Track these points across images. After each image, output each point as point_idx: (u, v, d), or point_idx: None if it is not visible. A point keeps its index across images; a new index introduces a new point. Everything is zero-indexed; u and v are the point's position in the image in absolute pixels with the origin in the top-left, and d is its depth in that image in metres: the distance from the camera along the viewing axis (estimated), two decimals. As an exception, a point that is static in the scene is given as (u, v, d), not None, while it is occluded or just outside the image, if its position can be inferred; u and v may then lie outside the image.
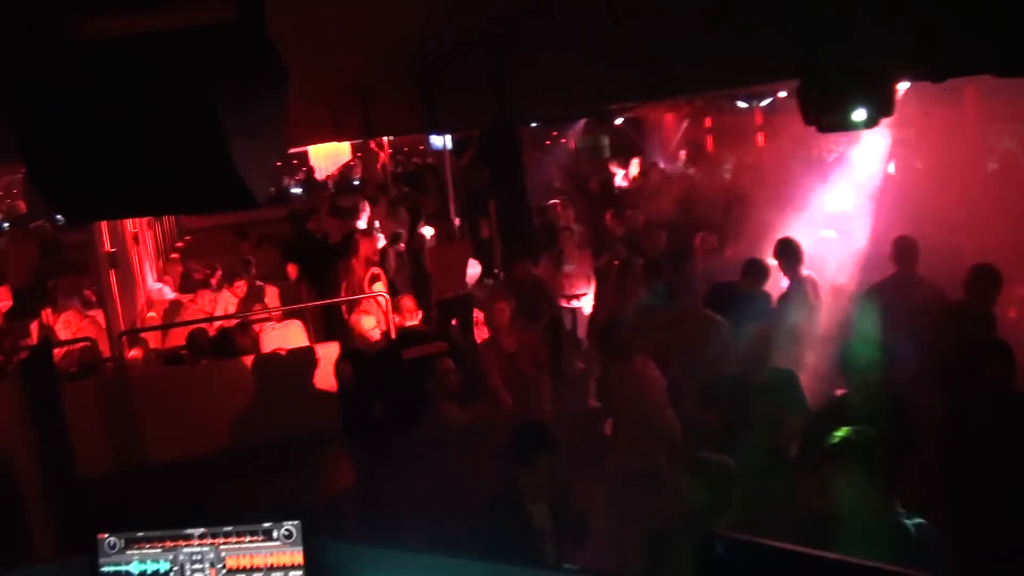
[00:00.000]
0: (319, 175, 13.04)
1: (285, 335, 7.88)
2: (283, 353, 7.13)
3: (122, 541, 1.93)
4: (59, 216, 10.58)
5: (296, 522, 1.89)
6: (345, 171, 14.60)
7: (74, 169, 1.86)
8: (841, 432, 2.34)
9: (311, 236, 9.51)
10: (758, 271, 5.16)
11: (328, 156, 12.62)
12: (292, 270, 8.74)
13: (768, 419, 3.61)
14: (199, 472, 5.50)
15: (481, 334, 7.27)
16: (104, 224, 7.95)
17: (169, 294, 9.74)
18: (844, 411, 3.08)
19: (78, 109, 1.81)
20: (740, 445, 3.14)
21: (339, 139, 11.04)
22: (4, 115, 1.78)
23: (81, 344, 7.27)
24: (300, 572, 1.86)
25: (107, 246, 8.03)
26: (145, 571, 1.91)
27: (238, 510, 1.92)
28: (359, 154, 14.01)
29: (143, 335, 7.93)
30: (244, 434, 6.07)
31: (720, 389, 3.93)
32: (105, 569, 1.91)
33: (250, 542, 1.88)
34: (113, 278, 7.88)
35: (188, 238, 13.49)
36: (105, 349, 6.95)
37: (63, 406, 5.60)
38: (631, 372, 4.31)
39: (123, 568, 1.91)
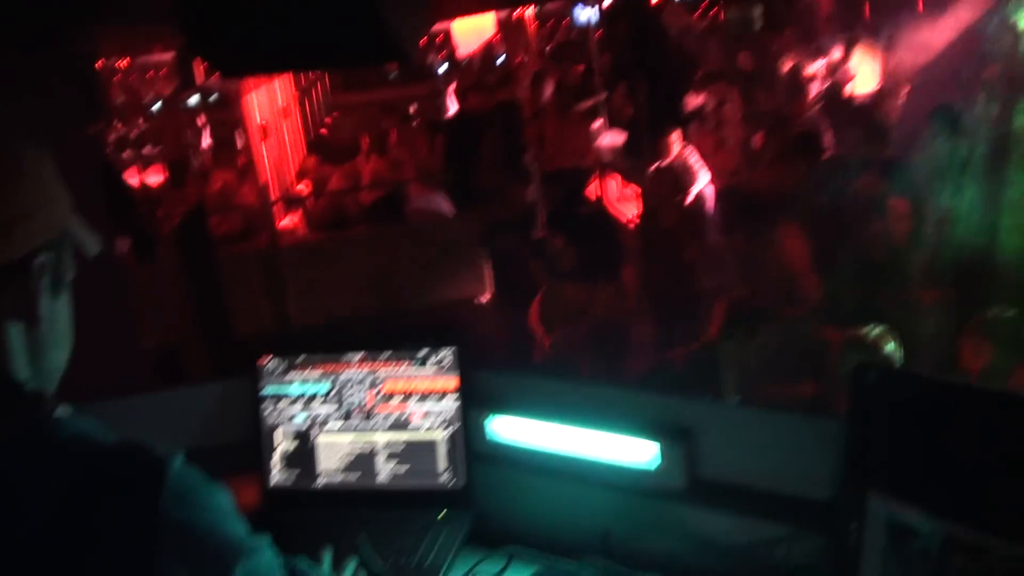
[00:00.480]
0: (462, 52, 12.95)
1: (430, 204, 7.96)
2: (430, 223, 7.22)
3: (283, 364, 1.96)
4: (211, 92, 10.95)
5: (453, 349, 1.87)
6: (488, 48, 14.43)
7: (227, 24, 1.83)
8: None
9: (459, 111, 9.49)
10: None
11: (471, 32, 12.46)
12: (438, 143, 8.78)
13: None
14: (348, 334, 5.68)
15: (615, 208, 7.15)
16: (255, 98, 8.16)
17: (319, 165, 9.95)
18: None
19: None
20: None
21: (484, 9, 10.86)
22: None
23: (234, 213, 7.57)
24: (454, 396, 1.85)
25: (259, 119, 8.25)
26: (304, 393, 1.94)
27: (397, 337, 1.92)
28: (501, 32, 13.78)
29: (294, 204, 8.18)
30: (393, 301, 6.21)
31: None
32: (266, 391, 1.96)
33: (407, 367, 1.88)
34: (265, 150, 8.11)
35: (336, 114, 13.74)
36: (258, 218, 7.20)
37: (219, 270, 5.88)
38: (775, 240, 4.22)
39: (283, 390, 1.95)
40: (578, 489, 1.78)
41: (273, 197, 7.50)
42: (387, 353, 1.91)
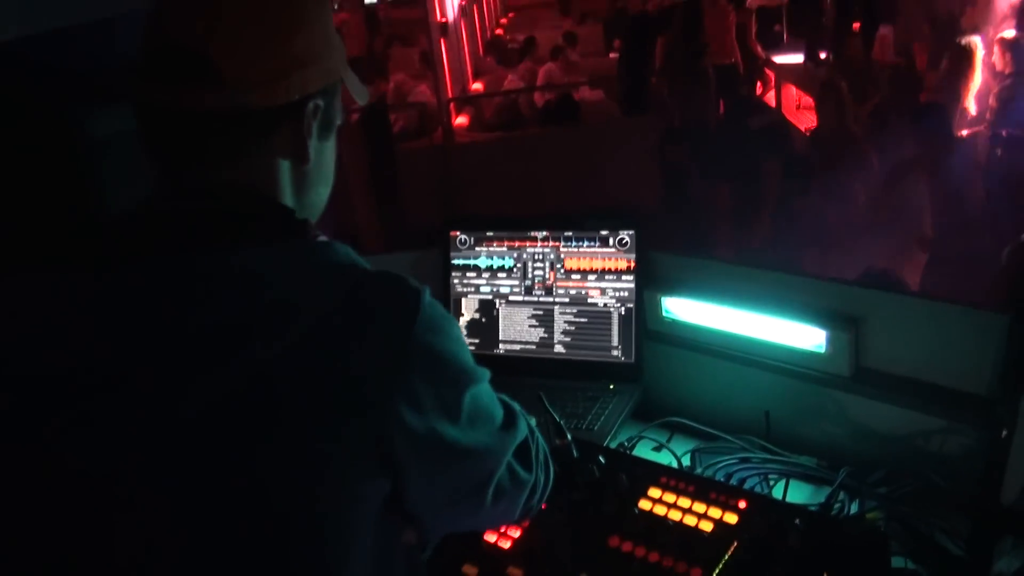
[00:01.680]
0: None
1: (599, 108, 8.02)
2: (602, 126, 7.29)
3: (472, 238, 2.16)
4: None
5: (632, 231, 2.02)
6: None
7: None
8: None
9: (638, 11, 9.40)
10: None
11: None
12: (616, 45, 8.78)
13: None
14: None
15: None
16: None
17: (495, 66, 10.14)
18: None
19: None
20: None
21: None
22: None
23: (411, 110, 7.86)
24: (631, 276, 2.01)
25: (439, 16, 8.45)
26: (491, 265, 2.14)
27: (580, 219, 2.08)
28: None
29: (469, 102, 8.40)
30: (563, 203, 6.36)
31: None
32: (456, 262, 2.16)
33: (588, 246, 2.05)
34: (444, 47, 8.33)
35: (512, 15, 13.86)
36: (434, 115, 7.46)
37: (397, 162, 6.20)
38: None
39: (472, 261, 2.15)
40: (743, 371, 1.91)
41: (449, 95, 7.74)
42: (570, 232, 2.08)
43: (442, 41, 8.17)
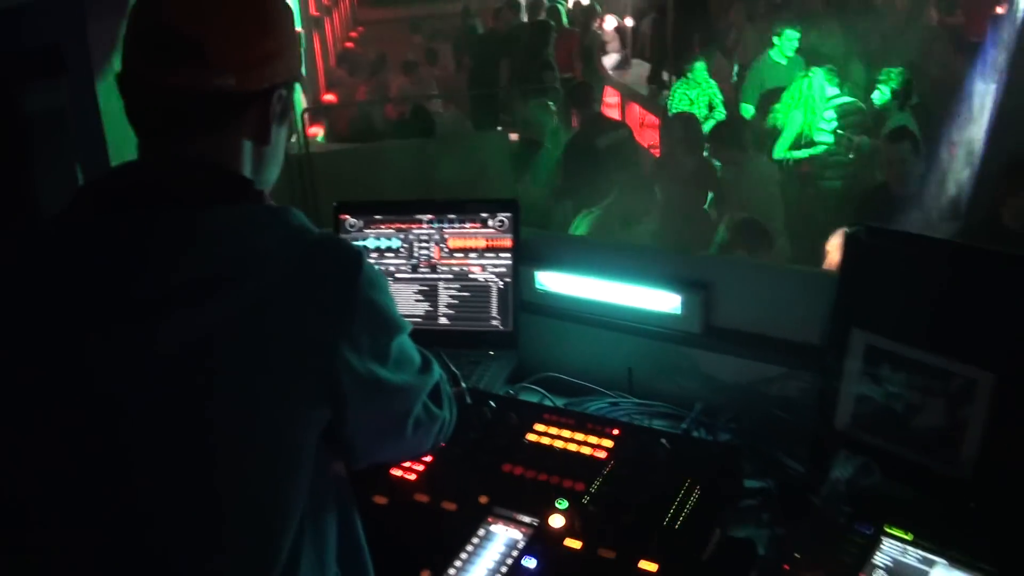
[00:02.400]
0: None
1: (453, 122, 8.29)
2: (456, 138, 7.56)
3: (361, 222, 2.37)
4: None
5: (509, 214, 2.27)
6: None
7: None
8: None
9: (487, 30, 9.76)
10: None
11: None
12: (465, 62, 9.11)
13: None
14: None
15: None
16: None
17: (347, 77, 10.28)
18: None
19: None
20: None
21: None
22: None
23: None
24: (509, 253, 2.26)
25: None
26: (380, 246, 2.35)
27: (461, 203, 2.31)
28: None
29: (321, 114, 8.51)
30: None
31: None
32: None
33: (470, 227, 2.29)
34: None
35: (361, 28, 14.01)
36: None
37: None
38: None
39: (361, 243, 2.35)
40: (608, 335, 2.19)
41: (304, 106, 7.84)
42: (453, 215, 2.31)
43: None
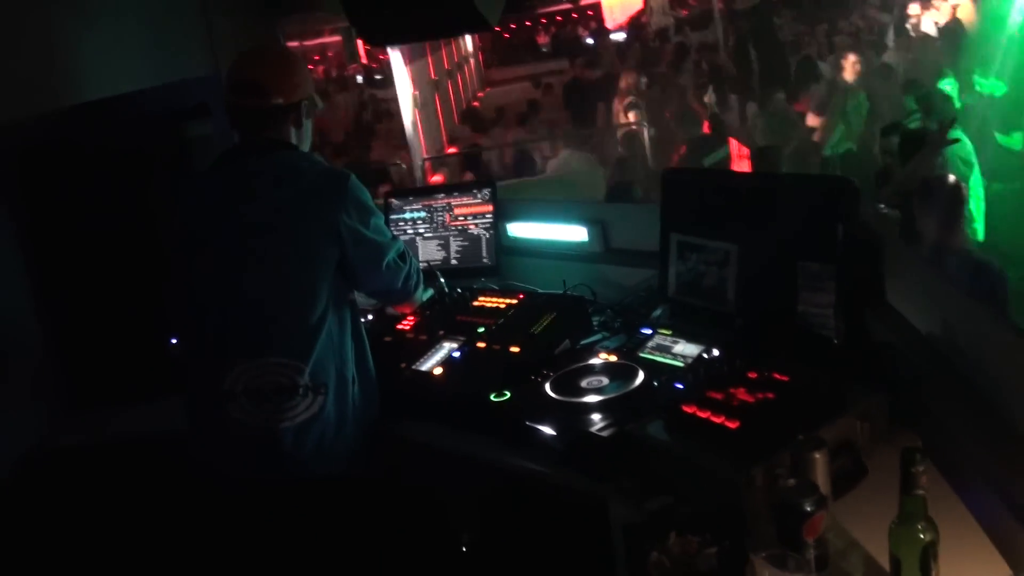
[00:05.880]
0: (610, 24, 14.68)
1: (568, 162, 9.73)
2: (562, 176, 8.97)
3: (400, 201, 3.84)
4: (374, 72, 13.14)
5: (489, 188, 3.69)
6: (635, 20, 16.09)
7: (368, 10, 3.71)
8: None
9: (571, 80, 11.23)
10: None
11: (620, 5, 14.19)
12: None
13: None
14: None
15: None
16: (411, 74, 10.21)
17: (471, 133, 11.96)
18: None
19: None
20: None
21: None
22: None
23: (394, 167, 9.63)
24: (491, 215, 3.66)
25: (415, 91, 10.28)
26: (412, 218, 3.80)
27: (459, 184, 3.74)
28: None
29: (442, 164, 10.16)
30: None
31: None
32: (393, 216, 3.83)
33: (467, 200, 3.71)
34: (418, 117, 10.13)
35: (488, 89, 15.79)
36: (408, 176, 9.19)
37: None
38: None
39: (401, 215, 3.81)
40: (549, 261, 3.55)
41: (425, 155, 9.52)
42: (456, 192, 3.75)
43: (417, 113, 9.96)
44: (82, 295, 3.19)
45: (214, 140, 3.24)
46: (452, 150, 11.06)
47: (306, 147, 2.83)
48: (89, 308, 3.20)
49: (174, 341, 3.00)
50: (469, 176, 9.26)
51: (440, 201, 3.78)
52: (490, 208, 3.68)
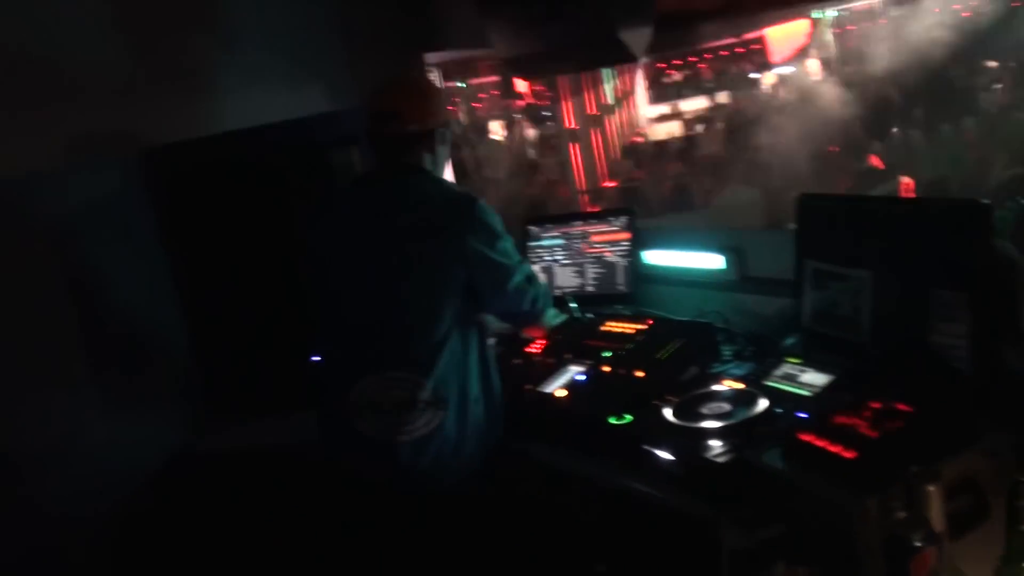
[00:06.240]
0: (776, 58, 14.39)
1: (737, 196, 9.56)
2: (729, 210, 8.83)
3: (539, 228, 3.88)
4: (538, 108, 13.35)
5: (627, 216, 3.69)
6: (800, 55, 15.71)
7: (518, 45, 3.81)
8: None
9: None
10: None
11: (784, 39, 13.91)
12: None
13: None
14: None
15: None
16: (570, 109, 10.32)
17: (630, 168, 11.96)
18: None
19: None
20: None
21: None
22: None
23: (551, 201, 9.72)
24: (628, 242, 3.66)
25: (571, 124, 10.39)
26: (550, 245, 3.84)
27: (597, 212, 3.76)
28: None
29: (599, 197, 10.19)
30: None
31: None
32: (531, 243, 3.88)
33: (603, 227, 3.72)
34: (576, 150, 10.22)
35: (652, 123, 15.77)
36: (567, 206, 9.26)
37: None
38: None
39: (539, 243, 3.86)
40: (685, 289, 3.51)
41: (583, 188, 9.59)
42: (594, 219, 3.76)
43: (575, 147, 10.05)
44: (228, 311, 3.40)
45: (356, 167, 3.38)
46: (610, 184, 11.07)
47: (440, 172, 2.91)
48: (234, 324, 3.39)
49: (315, 359, 3.13)
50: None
51: (577, 228, 3.80)
52: (627, 236, 3.68)
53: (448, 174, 2.97)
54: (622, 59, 4.10)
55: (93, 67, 3.25)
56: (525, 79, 9.87)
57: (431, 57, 4.78)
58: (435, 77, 5.28)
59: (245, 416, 3.32)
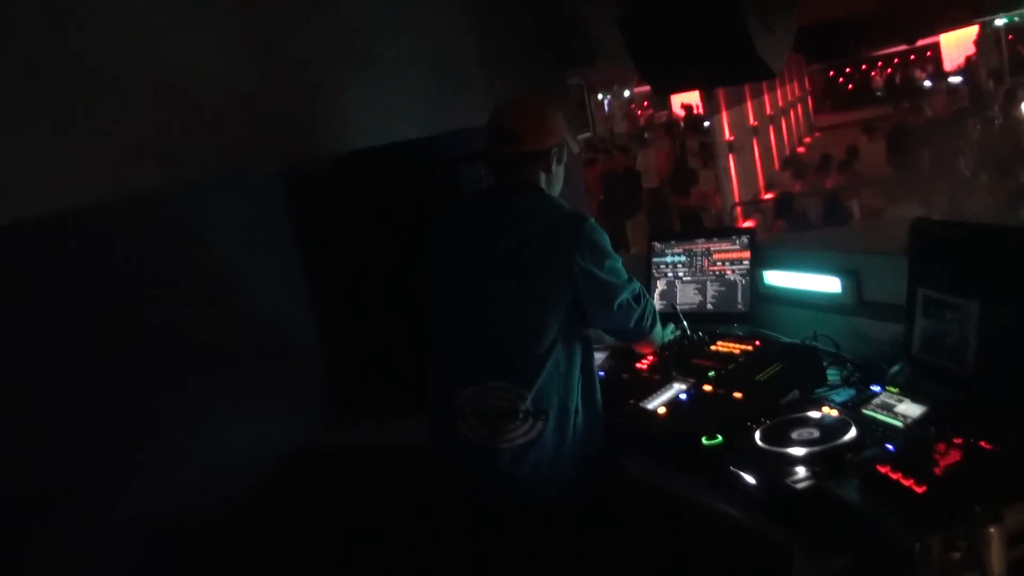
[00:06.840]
0: (948, 65, 13.79)
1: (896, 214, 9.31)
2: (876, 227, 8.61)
3: (662, 245, 3.93)
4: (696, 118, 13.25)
5: (748, 235, 3.69)
6: (969, 60, 14.95)
7: (657, 61, 3.88)
8: None
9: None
10: None
11: (955, 46, 13.34)
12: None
13: None
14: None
15: None
16: (728, 119, 10.22)
17: (790, 180, 11.74)
18: None
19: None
20: None
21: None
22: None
23: (704, 211, 9.68)
24: (748, 261, 3.67)
25: (728, 136, 10.29)
26: (672, 261, 3.89)
27: (719, 229, 3.79)
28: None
29: (756, 210, 10.06)
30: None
31: None
32: (655, 259, 3.94)
33: (725, 245, 3.75)
34: (732, 161, 10.12)
35: (817, 134, 15.37)
36: (721, 218, 9.21)
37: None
38: None
39: (663, 259, 3.91)
40: (803, 311, 3.49)
41: (737, 200, 9.49)
42: (716, 237, 3.79)
43: (731, 157, 9.95)
44: (357, 315, 3.63)
45: (484, 182, 3.53)
46: (768, 195, 10.90)
47: (555, 191, 3.03)
48: (362, 328, 3.62)
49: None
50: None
51: (700, 246, 3.84)
52: (747, 255, 3.69)
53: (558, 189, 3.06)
54: (760, 75, 4.11)
55: (245, 100, 3.51)
56: (663, 93, 9.88)
57: (574, 73, 4.90)
58: (579, 91, 5.40)
59: (372, 415, 3.52)
